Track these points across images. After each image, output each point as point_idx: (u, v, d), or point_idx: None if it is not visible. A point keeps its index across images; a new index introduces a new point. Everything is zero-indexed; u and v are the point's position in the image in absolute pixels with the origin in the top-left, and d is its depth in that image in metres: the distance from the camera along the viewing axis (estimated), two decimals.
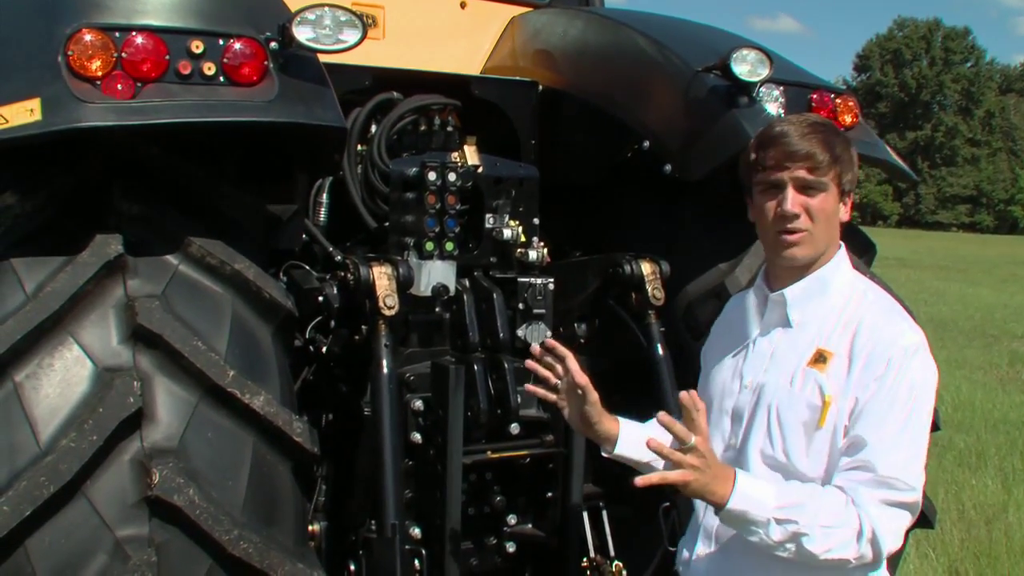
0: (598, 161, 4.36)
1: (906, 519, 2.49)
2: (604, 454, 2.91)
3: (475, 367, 3.65)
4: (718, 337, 3.00)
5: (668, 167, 3.93)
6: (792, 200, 2.59)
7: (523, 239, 3.96)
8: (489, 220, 3.92)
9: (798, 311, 2.70)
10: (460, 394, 3.52)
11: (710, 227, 4.05)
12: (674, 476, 2.38)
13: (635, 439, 2.83)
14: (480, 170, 3.91)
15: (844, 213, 2.72)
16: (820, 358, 2.60)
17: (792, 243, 2.62)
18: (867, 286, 2.75)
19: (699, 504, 2.79)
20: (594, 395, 2.81)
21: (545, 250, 4.00)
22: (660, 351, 3.80)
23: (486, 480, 3.73)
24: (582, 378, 2.79)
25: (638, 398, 3.83)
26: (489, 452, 3.68)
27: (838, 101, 3.93)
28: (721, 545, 2.74)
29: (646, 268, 3.84)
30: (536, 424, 3.78)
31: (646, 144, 4.02)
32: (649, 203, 4.24)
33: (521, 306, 3.89)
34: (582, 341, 4.02)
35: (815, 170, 2.59)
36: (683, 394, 2.45)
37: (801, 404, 2.59)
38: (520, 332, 3.87)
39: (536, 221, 4.02)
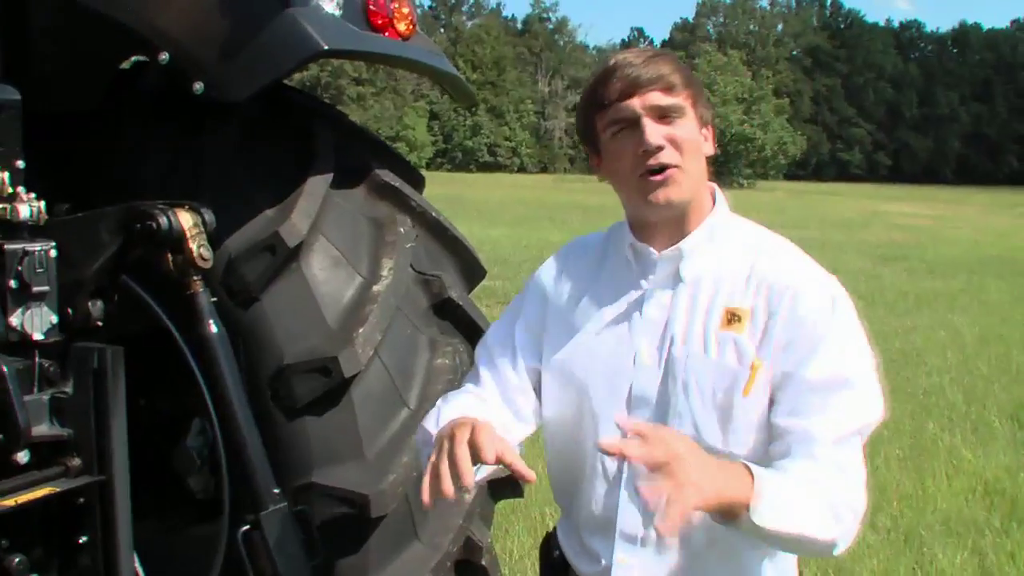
0: (93, 79, 3.30)
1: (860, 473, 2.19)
2: None
3: None
4: (572, 301, 2.41)
5: (199, 85, 3.01)
6: (651, 130, 2.19)
7: (8, 190, 2.84)
8: None
9: (691, 268, 2.29)
10: None
11: (247, 164, 3.24)
12: (676, 512, 1.79)
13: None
14: None
15: (707, 146, 2.32)
16: (734, 318, 2.23)
17: (662, 182, 2.20)
18: (761, 229, 2.39)
19: (598, 499, 2.33)
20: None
21: (41, 204, 2.91)
22: (213, 327, 2.93)
23: None
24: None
25: (184, 392, 3.16)
26: None
27: (394, 5, 3.26)
28: (661, 546, 2.27)
29: (185, 220, 2.91)
30: (54, 446, 2.80)
31: (163, 57, 3.06)
32: (164, 134, 3.31)
33: (14, 284, 2.82)
34: (99, 324, 3.02)
35: (670, 91, 2.22)
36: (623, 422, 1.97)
37: (721, 372, 2.20)
38: (15, 320, 2.81)
39: (22, 164, 2.92)
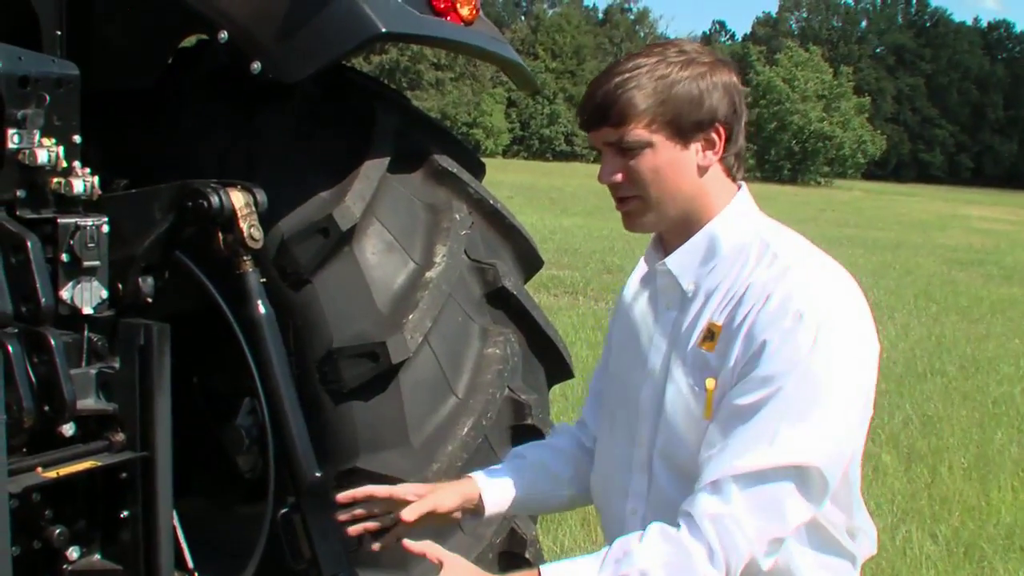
0: (152, 57, 3.30)
1: (771, 516, 1.96)
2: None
3: (9, 347, 2.60)
4: (622, 314, 2.41)
5: (257, 65, 3.01)
6: (604, 168, 2.14)
7: (63, 164, 2.84)
8: (13, 138, 2.77)
9: (691, 279, 2.18)
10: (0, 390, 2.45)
11: (304, 145, 3.25)
12: None
13: (500, 494, 2.44)
14: None
15: (706, 155, 2.12)
16: (709, 335, 2.10)
17: (625, 213, 2.18)
18: (772, 236, 2.16)
19: (616, 520, 2.28)
20: (429, 501, 2.38)
21: (94, 179, 2.91)
22: (261, 308, 2.92)
23: (35, 505, 2.70)
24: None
25: (236, 371, 3.09)
26: (39, 468, 2.63)
27: None
28: None
29: (237, 199, 2.89)
30: (99, 420, 2.80)
31: (223, 35, 3.05)
32: (222, 113, 3.31)
33: (65, 257, 2.82)
34: (149, 301, 3.02)
35: (620, 125, 2.07)
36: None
37: (688, 392, 2.11)
38: (65, 294, 2.81)
39: (78, 139, 2.92)
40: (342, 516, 2.47)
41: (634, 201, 2.12)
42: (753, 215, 2.19)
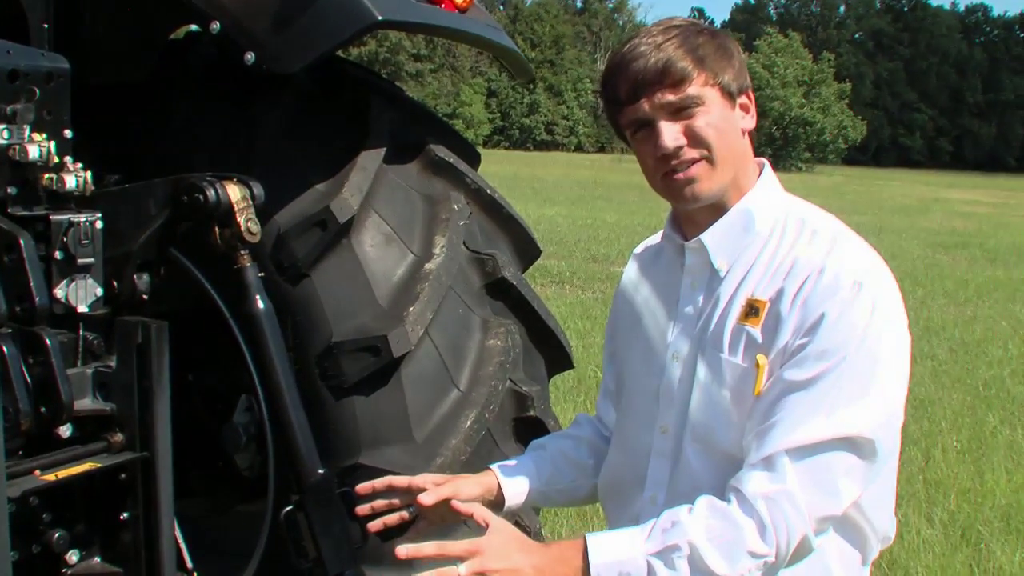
0: (143, 49, 3.25)
1: (825, 492, 1.95)
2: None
3: (3, 348, 2.55)
4: (628, 301, 2.39)
5: (250, 56, 2.95)
6: (666, 133, 2.04)
7: (55, 160, 2.76)
8: (3, 134, 2.70)
9: (723, 257, 2.14)
10: None
11: (300, 137, 3.19)
12: None
13: (519, 485, 2.43)
14: None
15: (746, 119, 2.14)
16: (752, 311, 2.06)
17: (687, 181, 2.07)
18: (806, 212, 2.16)
19: (632, 502, 2.25)
20: (448, 488, 2.35)
21: (87, 175, 2.85)
22: (260, 303, 2.86)
23: (33, 509, 2.64)
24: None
25: (233, 368, 3.11)
26: (37, 471, 2.57)
27: None
28: None
29: (233, 192, 2.83)
30: (98, 421, 2.74)
31: (215, 26, 2.99)
32: (216, 106, 3.25)
33: (59, 255, 2.76)
34: (145, 298, 2.96)
35: (679, 85, 2.03)
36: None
37: (733, 370, 2.06)
38: (60, 292, 2.75)
39: (70, 134, 2.86)
40: (362, 509, 2.45)
41: (699, 164, 2.06)
42: (781, 190, 2.19)
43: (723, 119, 2.07)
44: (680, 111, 2.04)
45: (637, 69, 2.04)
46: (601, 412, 2.56)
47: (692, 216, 2.17)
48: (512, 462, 2.49)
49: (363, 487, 2.47)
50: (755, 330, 2.04)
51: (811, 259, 2.02)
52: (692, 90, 2.03)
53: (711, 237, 2.14)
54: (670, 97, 2.03)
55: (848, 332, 1.94)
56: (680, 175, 2.07)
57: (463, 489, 2.36)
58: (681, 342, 2.17)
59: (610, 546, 1.94)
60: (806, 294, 1.98)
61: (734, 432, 2.05)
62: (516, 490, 2.42)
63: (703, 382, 2.10)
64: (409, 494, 2.40)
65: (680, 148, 2.04)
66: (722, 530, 1.90)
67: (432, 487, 2.36)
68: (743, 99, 2.12)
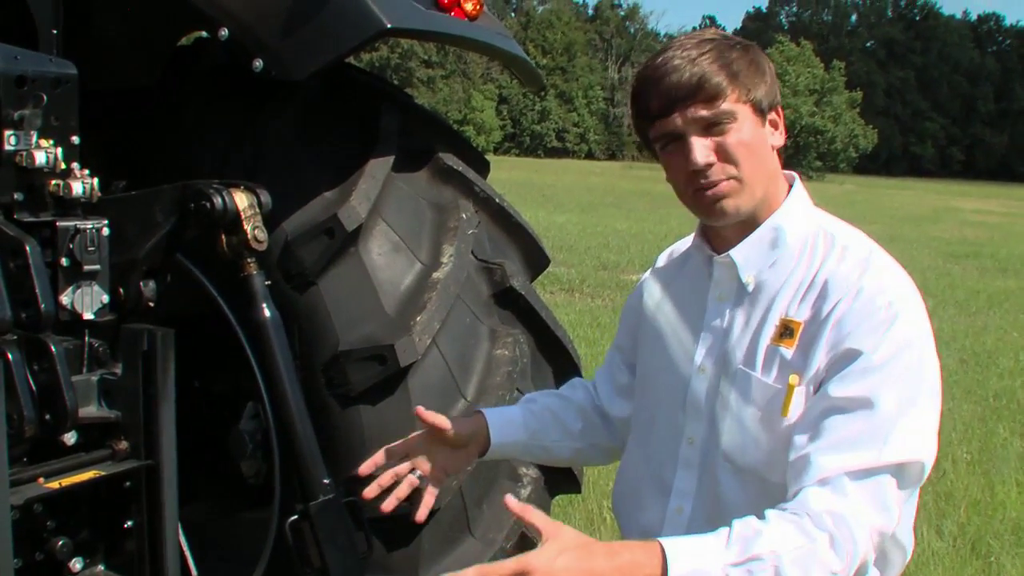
0: (151, 56, 3.22)
1: (883, 510, 1.92)
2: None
3: (9, 355, 2.53)
4: (653, 303, 2.38)
5: (259, 63, 2.94)
6: (697, 149, 2.03)
7: (62, 166, 2.77)
8: (10, 139, 2.70)
9: (752, 273, 2.14)
10: (0, 399, 2.38)
11: (308, 144, 3.18)
12: None
13: (505, 433, 2.48)
14: None
15: (776, 135, 2.13)
16: (786, 331, 2.06)
17: (717, 197, 2.06)
18: (836, 228, 2.18)
19: (648, 507, 2.25)
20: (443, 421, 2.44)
21: (94, 181, 2.84)
22: (267, 311, 2.86)
23: (37, 517, 2.63)
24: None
25: (238, 375, 3.10)
26: (41, 479, 2.57)
27: None
28: None
29: (241, 200, 2.83)
30: (102, 428, 2.74)
31: (224, 33, 2.99)
32: (223, 112, 3.24)
33: (65, 261, 2.75)
34: (151, 305, 2.96)
35: (713, 101, 2.02)
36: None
37: (765, 391, 2.05)
38: (66, 299, 2.75)
39: (77, 140, 2.85)
40: (369, 490, 2.48)
41: (730, 183, 2.05)
42: (812, 207, 2.18)
43: (754, 136, 2.06)
44: (712, 126, 2.03)
45: (671, 83, 2.03)
46: (599, 383, 2.58)
47: (721, 231, 2.16)
48: (502, 410, 2.55)
49: (365, 466, 2.51)
50: (789, 351, 2.03)
51: (845, 278, 2.02)
52: (725, 106, 2.02)
53: (740, 253, 2.13)
54: (703, 112, 2.02)
55: (890, 354, 1.93)
56: (710, 192, 2.06)
57: (455, 427, 2.44)
58: (708, 356, 2.17)
59: (689, 554, 1.84)
60: (840, 315, 1.98)
61: (762, 451, 2.05)
62: (502, 439, 2.46)
63: (732, 399, 2.10)
64: (407, 458, 2.48)
65: (711, 165, 2.03)
66: (802, 542, 1.85)
67: (422, 440, 2.47)
68: (773, 115, 2.12)
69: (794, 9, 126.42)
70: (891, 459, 1.91)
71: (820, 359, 1.99)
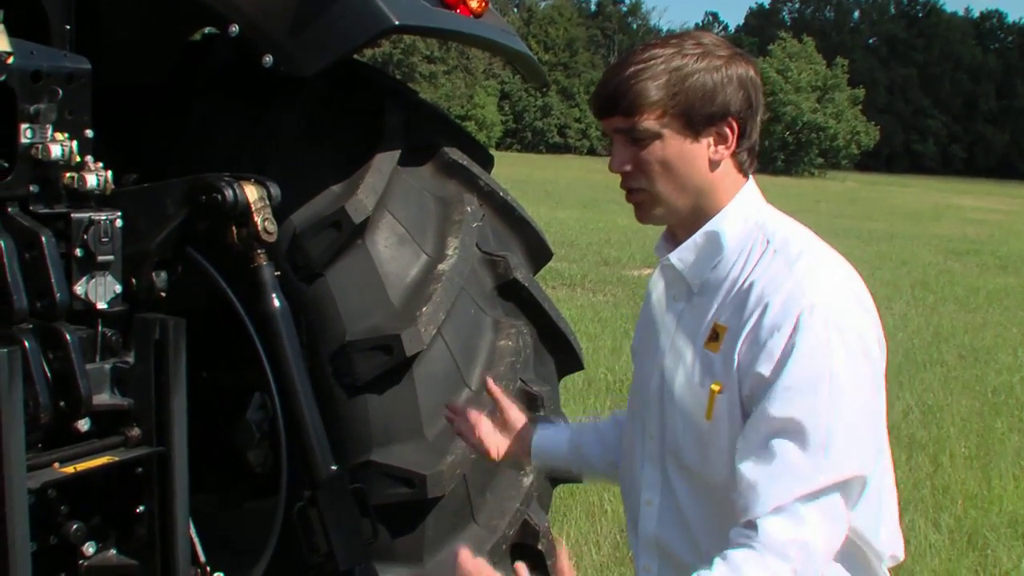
0: (162, 51, 3.30)
1: (837, 526, 1.95)
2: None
3: (24, 343, 2.60)
4: (645, 304, 2.40)
5: (268, 59, 3.00)
6: (616, 155, 2.11)
7: (76, 159, 2.83)
8: (26, 133, 2.76)
9: (696, 276, 2.16)
10: (17, 387, 2.44)
11: (316, 139, 3.24)
12: None
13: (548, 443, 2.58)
14: (11, 60, 2.73)
15: (715, 151, 2.08)
16: (714, 336, 2.08)
17: (635, 203, 2.14)
18: (775, 228, 2.13)
19: (632, 513, 2.32)
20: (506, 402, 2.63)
21: (108, 174, 2.90)
22: (276, 302, 2.92)
23: (51, 501, 2.70)
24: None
25: (246, 366, 3.17)
26: (56, 464, 2.62)
27: None
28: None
29: (251, 193, 2.89)
30: (115, 415, 2.81)
31: (234, 29, 3.04)
32: (233, 107, 3.30)
33: (79, 252, 2.82)
34: (162, 295, 3.02)
35: (631, 114, 2.05)
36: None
37: (691, 393, 2.10)
38: (80, 289, 2.81)
39: (91, 134, 2.91)
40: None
41: (642, 194, 2.10)
42: (756, 209, 2.16)
43: (679, 154, 2.06)
44: (635, 140, 2.06)
45: (602, 89, 2.10)
46: None
47: (676, 232, 2.19)
48: (552, 423, 2.70)
49: (453, 408, 2.74)
50: (715, 355, 2.05)
51: (770, 281, 2.01)
52: (644, 124, 2.04)
53: (676, 256, 2.16)
54: (620, 124, 2.07)
55: (809, 366, 1.92)
56: (629, 197, 2.13)
57: (511, 412, 2.61)
58: (661, 354, 2.21)
59: None
60: (756, 322, 1.98)
61: (696, 452, 2.09)
62: (542, 442, 2.58)
63: (670, 399, 2.14)
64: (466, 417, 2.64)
65: (625, 175, 2.09)
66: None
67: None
68: (719, 128, 2.07)
69: (796, 5, 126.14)
70: (832, 480, 1.90)
71: (738, 367, 2.00)
